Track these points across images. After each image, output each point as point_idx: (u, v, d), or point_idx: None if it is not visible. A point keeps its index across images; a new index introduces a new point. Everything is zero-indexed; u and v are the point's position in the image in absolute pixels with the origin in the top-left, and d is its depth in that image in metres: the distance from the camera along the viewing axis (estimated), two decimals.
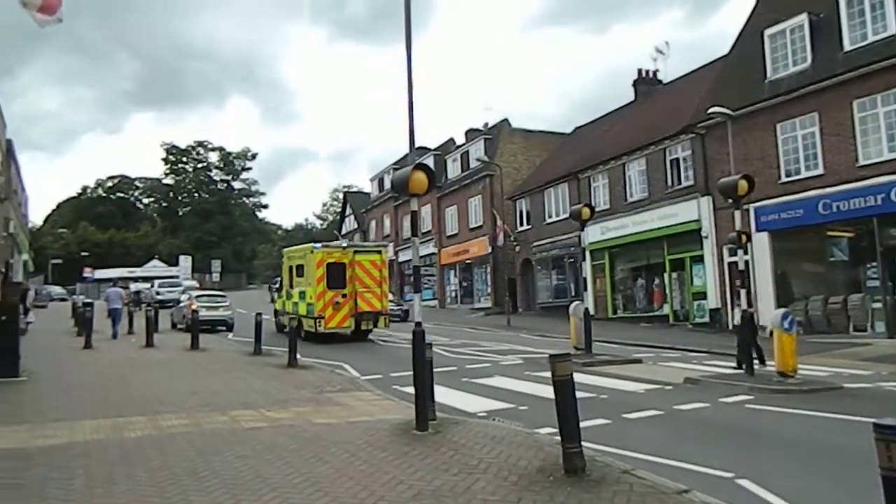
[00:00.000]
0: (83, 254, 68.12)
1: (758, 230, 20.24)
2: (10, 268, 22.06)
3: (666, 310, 25.04)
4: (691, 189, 23.60)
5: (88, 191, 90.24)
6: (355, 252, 20.03)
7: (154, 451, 6.59)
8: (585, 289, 15.54)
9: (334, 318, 19.27)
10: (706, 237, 22.79)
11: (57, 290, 51.83)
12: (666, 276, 25.08)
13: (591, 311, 15.23)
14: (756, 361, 11.99)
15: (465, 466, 5.82)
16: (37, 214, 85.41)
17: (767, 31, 20.82)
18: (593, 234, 26.28)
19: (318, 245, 20.30)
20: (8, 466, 6.13)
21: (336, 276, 19.35)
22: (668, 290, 25.02)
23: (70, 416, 8.30)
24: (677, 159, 24.66)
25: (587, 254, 15.38)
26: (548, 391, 9.92)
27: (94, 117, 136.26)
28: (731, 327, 20.55)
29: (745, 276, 12.79)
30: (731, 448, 6.98)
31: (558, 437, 6.26)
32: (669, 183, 24.79)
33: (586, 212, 15.13)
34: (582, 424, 5.73)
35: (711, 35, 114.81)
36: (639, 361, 14.51)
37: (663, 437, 7.49)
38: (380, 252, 20.70)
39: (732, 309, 21.09)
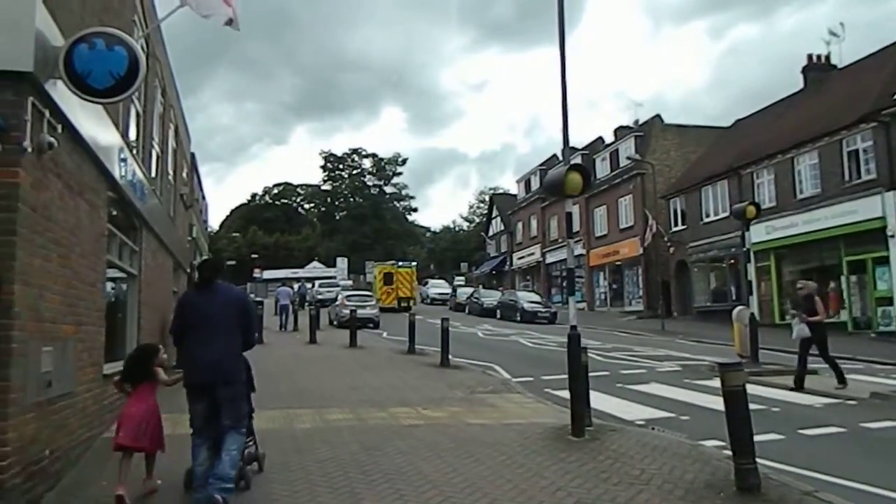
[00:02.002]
0: (253, 256, 74.02)
1: None
2: (193, 269, 24.50)
3: (843, 316, 22.74)
4: (873, 183, 21.26)
5: (257, 198, 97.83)
6: (398, 267, 37.97)
7: (322, 443, 7.00)
8: (751, 293, 14.49)
9: (386, 300, 35.55)
10: (892, 236, 20.45)
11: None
12: (843, 279, 22.81)
13: (756, 317, 14.20)
14: None
15: (627, 476, 5.62)
16: (214, 220, 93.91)
17: None
18: (757, 233, 24.41)
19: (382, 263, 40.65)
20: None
21: (387, 279, 37.42)
22: (845, 295, 22.74)
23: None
24: (856, 151, 22.33)
25: (751, 255, 14.30)
26: (710, 401, 9.49)
27: (262, 129, 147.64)
28: None
29: None
30: None
31: (727, 451, 5.90)
32: (847, 177, 22.51)
33: (752, 210, 14.14)
34: None
35: (894, 12, 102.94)
36: (814, 373, 13.26)
37: (848, 457, 6.80)
38: (411, 267, 38.45)
39: None
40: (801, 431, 7.82)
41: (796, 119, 27.09)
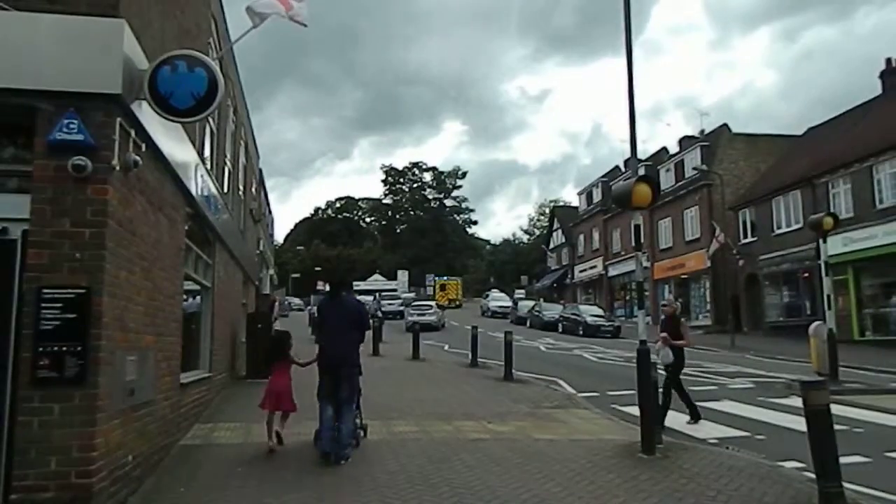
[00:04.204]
0: (316, 269, 75.50)
1: None
2: (260, 281, 25.19)
3: None
4: None
5: (320, 212, 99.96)
6: (448, 280, 58.23)
7: (390, 455, 7.03)
8: (828, 307, 13.85)
9: (442, 300, 49.44)
10: None
11: (296, 300, 58.12)
12: None
13: (835, 333, 13.55)
14: None
15: (703, 497, 5.44)
16: (279, 233, 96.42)
17: None
18: (833, 245, 23.34)
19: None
20: (268, 459, 6.92)
21: (443, 287, 55.45)
22: None
23: (313, 416, 9.12)
24: None
25: (827, 268, 13.58)
26: (788, 420, 9.11)
27: (327, 144, 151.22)
28: None
29: None
30: None
31: (808, 473, 5.65)
32: None
33: (829, 221, 13.57)
34: None
35: None
36: None
37: None
38: (457, 281, 59.18)
39: None
40: (888, 454, 7.40)
41: (874, 125, 25.90)
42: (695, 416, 9.34)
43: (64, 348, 4.55)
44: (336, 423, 6.91)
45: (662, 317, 9.88)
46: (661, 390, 8.56)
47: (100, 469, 4.61)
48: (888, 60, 28.40)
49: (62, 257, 4.63)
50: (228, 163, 12.76)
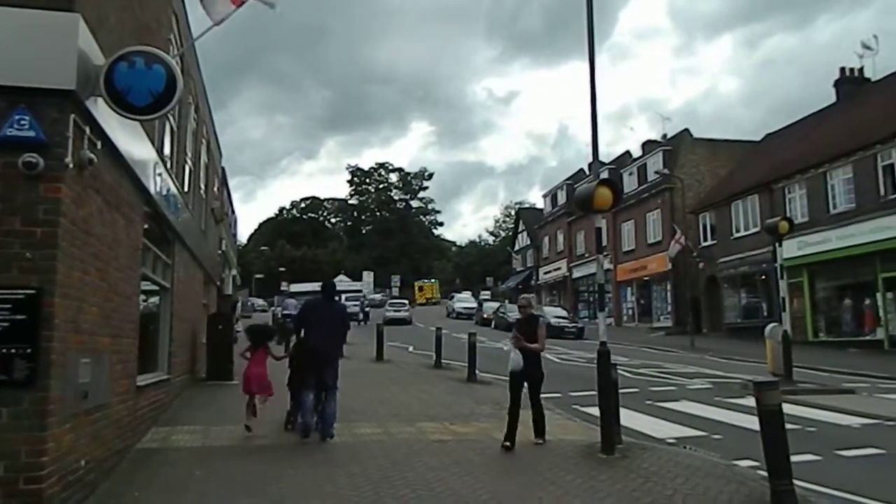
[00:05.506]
0: (280, 269, 74.71)
1: None
2: (222, 282, 24.87)
3: (879, 334, 22.20)
4: None
5: (284, 212, 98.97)
6: (425, 282, 68.52)
7: (351, 457, 7.00)
8: (783, 310, 14.21)
9: (420, 299, 62.53)
10: None
11: (259, 301, 57.45)
12: (879, 296, 22.29)
13: (790, 334, 13.90)
14: None
15: (659, 497, 5.53)
16: (243, 233, 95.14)
17: None
18: (789, 249, 23.95)
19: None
20: (227, 462, 6.82)
21: (421, 289, 66.36)
22: (881, 313, 22.21)
23: (276, 419, 9.02)
24: (891, 165, 21.88)
25: (783, 271, 13.96)
26: (743, 420, 9.30)
27: (293, 143, 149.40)
28: None
29: None
30: None
31: (762, 472, 5.78)
32: (882, 192, 22.06)
33: (784, 226, 13.90)
34: None
35: None
36: (850, 392, 12.99)
37: (887, 480, 6.58)
38: (433, 283, 68.20)
39: None
40: (838, 453, 7.62)
41: (829, 133, 26.68)
42: (539, 435, 7.81)
43: (13, 350, 4.42)
44: (321, 406, 7.95)
45: (524, 313, 8.18)
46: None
47: (50, 474, 4.49)
48: (842, 70, 29.29)
49: (12, 257, 4.50)
50: (189, 161, 12.54)
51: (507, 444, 7.43)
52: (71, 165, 4.73)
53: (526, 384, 7.81)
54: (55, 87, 4.63)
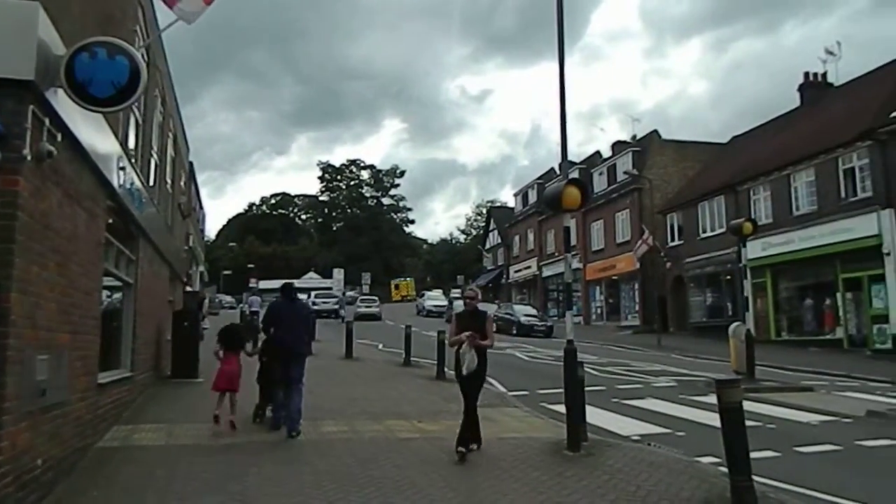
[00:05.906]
0: (249, 266, 73.82)
1: None
2: (189, 278, 24.50)
3: (839, 333, 22.77)
4: (869, 201, 21.36)
5: (254, 208, 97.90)
6: (401, 280, 71.62)
7: (317, 456, 6.95)
8: (747, 309, 14.51)
9: (396, 297, 66.35)
10: (888, 254, 20.52)
11: (227, 298, 56.68)
12: (839, 296, 22.86)
13: (753, 333, 14.19)
14: None
15: (623, 493, 5.60)
16: (211, 229, 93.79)
17: None
18: (753, 250, 24.50)
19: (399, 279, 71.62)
20: (191, 461, 6.73)
21: (397, 287, 69.35)
22: (841, 312, 22.78)
23: (244, 414, 8.92)
24: (852, 168, 22.45)
25: (747, 271, 14.32)
26: (707, 417, 9.46)
27: (264, 138, 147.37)
28: None
29: None
30: None
31: (723, 468, 5.87)
32: (843, 195, 22.62)
33: (748, 227, 14.18)
34: None
35: None
36: (810, 389, 13.31)
37: (844, 475, 6.77)
38: (408, 281, 70.94)
39: None
40: (797, 449, 7.80)
41: (793, 136, 27.25)
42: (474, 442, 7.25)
43: None
44: (287, 401, 8.16)
45: (461, 310, 7.71)
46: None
47: (5, 474, 4.38)
48: (806, 74, 29.92)
49: None
50: (155, 155, 12.33)
51: (474, 446, 7.13)
52: (29, 158, 4.61)
53: (468, 386, 7.20)
54: (13, 78, 4.50)
